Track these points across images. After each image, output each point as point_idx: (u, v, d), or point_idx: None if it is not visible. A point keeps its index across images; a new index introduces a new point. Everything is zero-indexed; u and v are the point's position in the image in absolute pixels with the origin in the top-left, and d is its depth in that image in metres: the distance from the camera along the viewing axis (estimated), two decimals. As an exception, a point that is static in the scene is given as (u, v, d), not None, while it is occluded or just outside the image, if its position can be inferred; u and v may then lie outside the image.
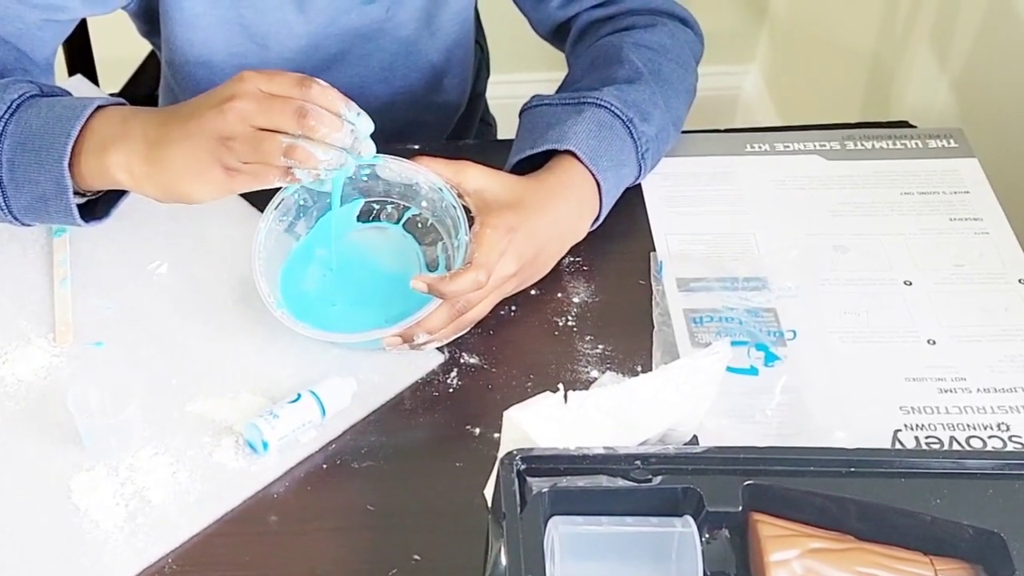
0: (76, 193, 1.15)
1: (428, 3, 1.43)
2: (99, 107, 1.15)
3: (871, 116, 2.04)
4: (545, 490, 0.90)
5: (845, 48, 2.26)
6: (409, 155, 1.21)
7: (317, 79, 1.09)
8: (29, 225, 1.20)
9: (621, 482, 0.91)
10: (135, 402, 1.07)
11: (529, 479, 0.91)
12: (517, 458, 0.91)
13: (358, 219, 1.25)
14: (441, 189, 1.19)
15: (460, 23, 1.48)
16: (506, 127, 1.77)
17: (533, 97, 1.34)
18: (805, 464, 0.92)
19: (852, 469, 0.92)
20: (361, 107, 1.46)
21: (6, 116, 1.15)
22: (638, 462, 0.92)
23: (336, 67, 1.44)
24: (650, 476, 0.91)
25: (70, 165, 1.13)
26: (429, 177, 1.20)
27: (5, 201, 1.16)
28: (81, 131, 1.13)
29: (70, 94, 1.21)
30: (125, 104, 1.18)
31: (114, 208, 1.21)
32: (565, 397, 0.96)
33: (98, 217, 1.20)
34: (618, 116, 1.27)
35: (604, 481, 0.91)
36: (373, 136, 1.49)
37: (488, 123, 1.80)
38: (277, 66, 1.40)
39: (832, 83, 2.36)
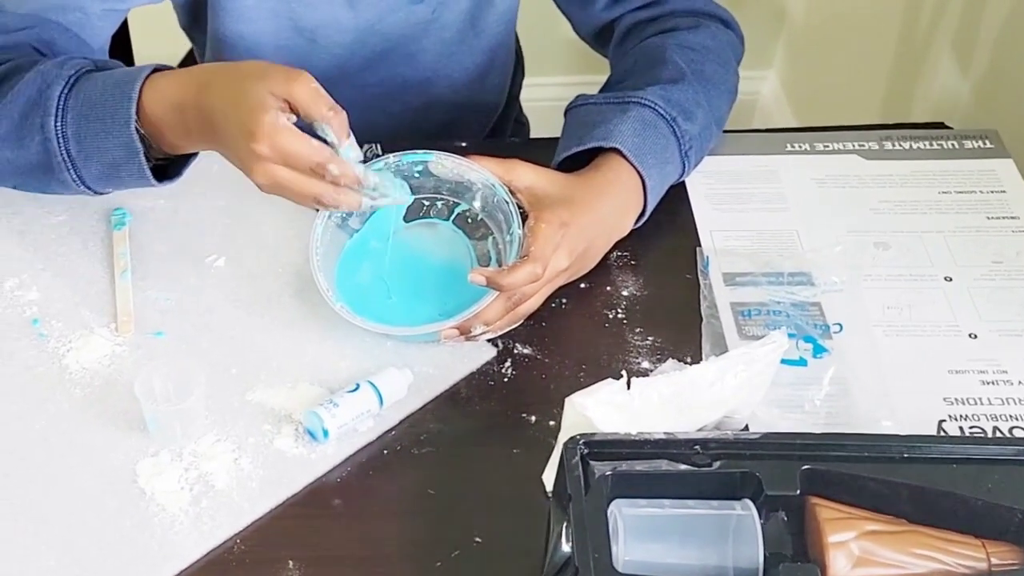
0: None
1: (473, 5, 1.46)
2: (154, 70, 1.18)
3: (892, 119, 2.05)
4: (608, 473, 0.92)
5: (863, 53, 2.28)
6: (459, 153, 1.23)
7: (332, 161, 1.10)
8: (103, 193, 1.23)
9: (682, 466, 0.93)
10: (198, 390, 1.09)
11: (592, 463, 0.93)
12: (580, 442, 0.93)
13: (408, 215, 1.27)
14: (494, 185, 1.22)
15: (504, 24, 1.51)
16: (537, 128, 1.80)
17: (578, 96, 1.37)
18: (860, 450, 0.95)
19: (905, 455, 0.95)
20: (402, 106, 1.50)
21: (65, 91, 1.18)
22: (697, 447, 0.94)
23: (380, 65, 1.46)
24: (710, 461, 0.94)
25: (145, 135, 1.16)
26: (481, 173, 1.22)
27: (77, 173, 1.19)
28: (141, 97, 1.16)
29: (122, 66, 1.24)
30: (170, 68, 1.21)
31: (185, 168, 1.23)
32: (628, 384, 0.99)
33: (170, 177, 1.22)
34: (662, 115, 1.30)
35: (664, 465, 0.94)
36: (414, 134, 1.51)
37: (521, 123, 1.82)
38: (323, 61, 1.43)
39: (850, 87, 2.38)
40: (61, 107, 1.18)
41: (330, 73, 1.45)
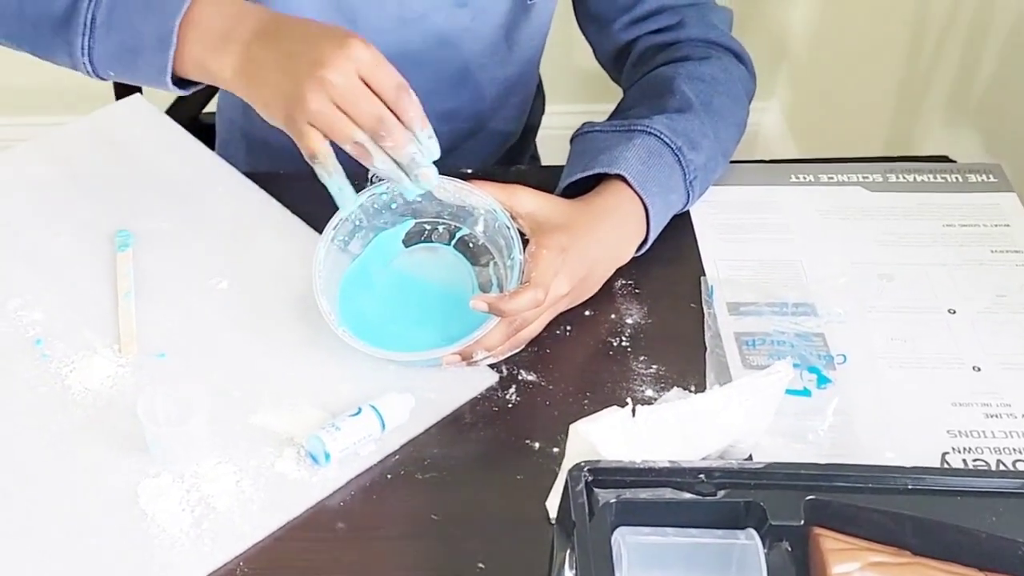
0: None
1: (509, 20, 1.47)
2: None
3: (893, 153, 2.06)
4: (612, 501, 0.92)
5: (866, 84, 2.29)
6: (462, 178, 1.24)
7: (411, 91, 1.13)
8: (99, 75, 1.23)
9: (686, 495, 0.93)
10: (200, 412, 1.09)
11: (596, 490, 0.93)
12: (585, 470, 0.93)
13: (409, 239, 1.28)
14: (495, 210, 1.22)
15: (535, 41, 1.53)
16: (547, 155, 1.81)
17: (584, 124, 1.37)
18: (864, 481, 0.95)
19: (910, 487, 0.95)
20: (428, 111, 1.50)
21: None
22: (702, 476, 0.94)
23: (410, 64, 1.44)
24: (714, 490, 0.93)
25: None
26: (483, 198, 1.23)
27: (89, 43, 1.19)
28: (194, 2, 1.17)
29: None
30: None
31: (191, 86, 1.24)
32: (633, 411, 0.99)
33: (176, 85, 1.22)
34: (667, 144, 1.30)
35: (668, 494, 0.93)
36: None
37: (535, 158, 1.83)
38: None
39: (852, 119, 2.38)
40: None
41: None
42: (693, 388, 1.18)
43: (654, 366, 1.21)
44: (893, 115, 2.15)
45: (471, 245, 1.28)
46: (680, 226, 1.35)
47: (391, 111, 1.13)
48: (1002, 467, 1.12)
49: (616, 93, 1.50)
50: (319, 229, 1.23)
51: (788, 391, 1.11)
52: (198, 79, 1.21)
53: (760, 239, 1.36)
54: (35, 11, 1.22)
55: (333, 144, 1.13)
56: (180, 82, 1.22)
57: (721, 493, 0.93)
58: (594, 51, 1.56)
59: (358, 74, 1.11)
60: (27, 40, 1.25)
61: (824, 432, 1.14)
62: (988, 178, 1.44)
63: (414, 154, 1.14)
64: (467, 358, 1.17)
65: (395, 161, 1.15)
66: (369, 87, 1.12)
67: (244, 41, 1.16)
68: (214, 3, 1.18)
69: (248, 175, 1.40)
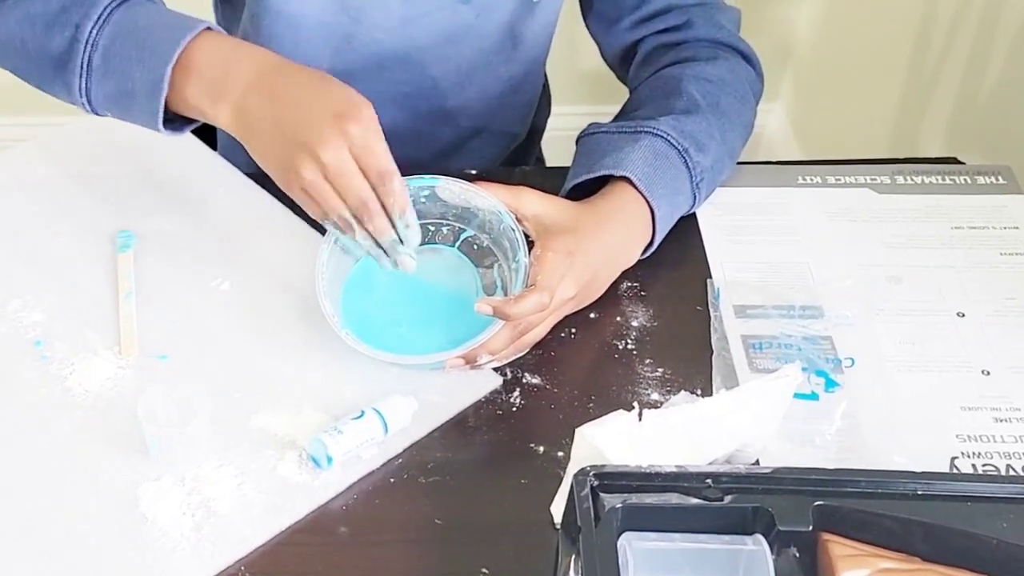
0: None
1: (513, 17, 1.46)
2: (207, 28, 1.19)
3: (898, 155, 2.05)
4: (618, 506, 0.91)
5: (871, 86, 2.28)
6: (467, 180, 1.23)
7: (396, 177, 1.12)
8: (98, 113, 1.24)
9: (692, 500, 0.92)
10: (201, 413, 1.08)
11: (602, 495, 0.92)
12: (591, 474, 0.92)
13: None
14: (500, 212, 1.21)
15: (541, 39, 1.52)
16: (552, 158, 1.80)
17: (590, 124, 1.36)
18: (874, 486, 0.94)
19: (919, 492, 0.93)
20: (429, 107, 1.49)
21: (114, 4, 1.19)
22: (709, 481, 0.93)
23: (415, 62, 1.45)
24: (721, 495, 0.92)
25: (171, 84, 1.17)
26: (489, 200, 1.22)
27: (87, 84, 1.20)
28: (189, 46, 1.17)
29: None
30: (226, 34, 1.22)
31: (187, 128, 1.24)
32: (640, 415, 0.98)
33: (172, 127, 1.22)
34: (674, 146, 1.29)
35: (675, 499, 0.92)
36: (433, 141, 1.50)
37: (540, 160, 1.82)
38: (362, 45, 1.43)
39: (857, 121, 2.38)
40: (105, 17, 1.19)
41: (366, 61, 1.44)
42: (699, 392, 1.17)
43: (660, 369, 1.20)
44: (898, 117, 2.14)
45: (476, 247, 1.27)
46: (686, 228, 1.34)
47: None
48: (1012, 472, 1.11)
49: (622, 95, 1.49)
50: (321, 230, 1.22)
51: (796, 395, 1.10)
52: (197, 118, 1.21)
53: (767, 241, 1.35)
54: (36, 50, 1.23)
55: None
56: (178, 123, 1.23)
57: (728, 498, 0.92)
58: (600, 50, 1.55)
59: (350, 152, 1.11)
60: (31, 75, 1.27)
61: (832, 436, 1.13)
62: (997, 180, 1.43)
63: (393, 240, 1.15)
64: (471, 361, 1.16)
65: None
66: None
67: (239, 90, 1.16)
68: (209, 45, 1.18)
69: (250, 176, 1.39)
